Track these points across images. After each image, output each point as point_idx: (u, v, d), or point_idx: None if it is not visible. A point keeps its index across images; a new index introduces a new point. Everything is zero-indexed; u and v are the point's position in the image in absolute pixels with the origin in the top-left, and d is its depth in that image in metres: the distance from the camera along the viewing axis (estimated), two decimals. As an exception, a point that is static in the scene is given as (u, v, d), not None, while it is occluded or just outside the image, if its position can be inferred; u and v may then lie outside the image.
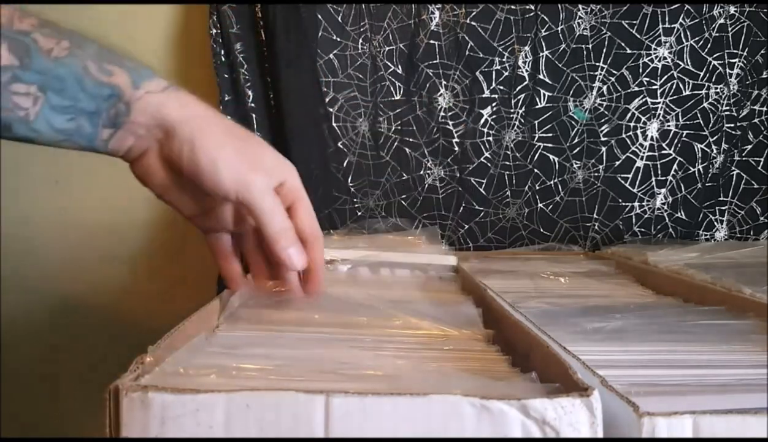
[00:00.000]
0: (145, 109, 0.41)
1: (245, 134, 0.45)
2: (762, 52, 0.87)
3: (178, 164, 0.43)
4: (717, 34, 0.86)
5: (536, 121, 0.88)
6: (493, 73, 0.87)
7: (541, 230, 0.90)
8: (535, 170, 0.89)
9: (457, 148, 0.89)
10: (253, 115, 0.88)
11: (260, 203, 0.43)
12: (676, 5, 0.85)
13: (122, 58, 0.42)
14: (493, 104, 0.88)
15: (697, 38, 0.86)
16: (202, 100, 0.44)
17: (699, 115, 0.88)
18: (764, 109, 0.89)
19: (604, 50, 0.86)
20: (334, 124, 0.88)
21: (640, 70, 0.87)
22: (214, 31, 0.86)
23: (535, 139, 0.88)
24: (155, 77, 0.42)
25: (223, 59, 0.87)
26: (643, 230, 0.90)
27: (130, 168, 0.45)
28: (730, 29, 0.86)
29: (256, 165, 0.43)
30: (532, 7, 0.86)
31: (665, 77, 0.87)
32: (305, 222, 0.47)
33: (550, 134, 0.88)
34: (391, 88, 0.88)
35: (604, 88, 0.87)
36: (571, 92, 0.88)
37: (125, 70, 0.41)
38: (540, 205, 0.90)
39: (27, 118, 0.39)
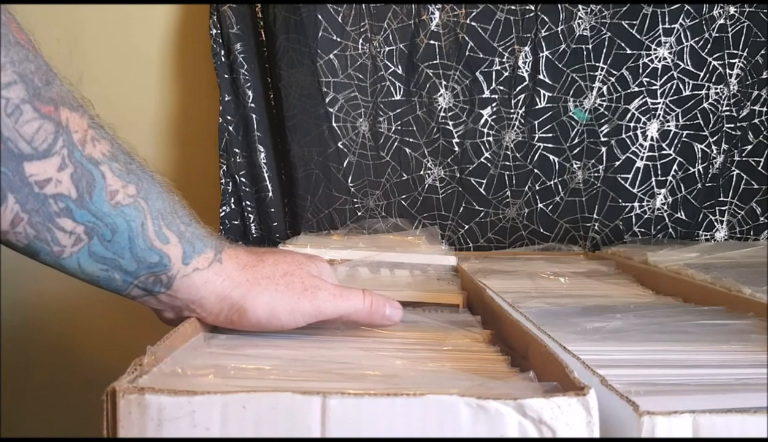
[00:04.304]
0: (188, 287, 0.39)
1: (286, 266, 0.43)
2: (762, 52, 0.87)
3: (225, 326, 0.41)
4: (717, 35, 0.86)
5: (536, 122, 0.88)
6: (493, 73, 0.87)
7: (541, 230, 0.90)
8: (535, 170, 0.89)
9: (457, 149, 0.89)
10: (253, 115, 0.88)
11: (340, 312, 0.42)
12: (676, 5, 0.85)
13: (181, 218, 0.39)
14: (493, 104, 0.88)
15: (697, 38, 0.86)
16: (239, 249, 0.42)
17: (699, 115, 0.88)
18: (764, 109, 0.89)
19: (604, 50, 0.86)
20: (334, 124, 0.88)
21: (640, 71, 0.87)
22: (214, 31, 0.87)
23: (535, 139, 0.88)
24: (206, 249, 0.40)
25: (223, 59, 0.87)
26: (643, 230, 0.90)
27: None
28: (730, 29, 0.86)
29: (310, 287, 0.42)
30: (532, 8, 0.86)
31: (665, 77, 0.87)
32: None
33: (550, 134, 0.88)
34: (391, 89, 0.88)
35: (604, 88, 0.87)
36: (571, 92, 0.88)
37: (182, 241, 0.38)
38: (540, 205, 0.90)
39: (59, 254, 0.35)
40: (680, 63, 0.86)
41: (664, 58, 0.86)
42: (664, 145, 0.88)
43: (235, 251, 0.42)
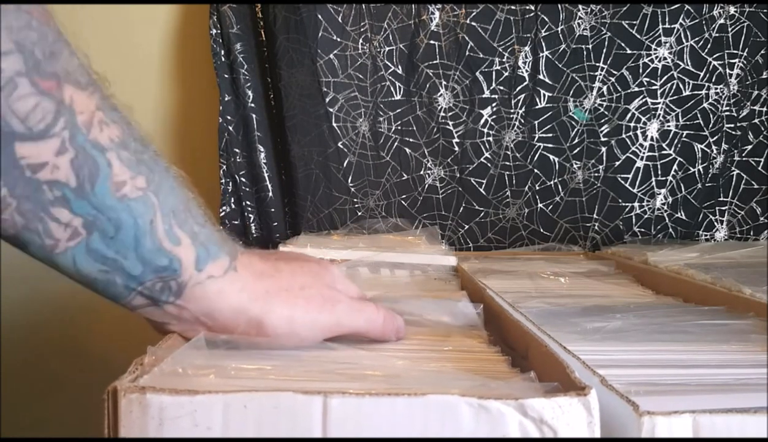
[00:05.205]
0: (201, 297, 0.35)
1: (303, 278, 0.40)
2: (762, 52, 0.87)
3: (241, 339, 0.37)
4: (717, 35, 0.86)
5: (536, 122, 0.88)
6: (493, 73, 0.87)
7: (541, 230, 0.90)
8: (535, 170, 0.89)
9: (457, 149, 0.89)
10: (253, 115, 0.88)
11: (356, 326, 0.40)
12: (676, 5, 0.85)
13: (195, 218, 0.35)
14: (493, 104, 0.88)
15: (697, 38, 0.86)
16: (253, 256, 0.39)
17: (699, 115, 0.88)
18: (764, 109, 0.89)
19: (604, 50, 0.86)
20: (334, 124, 0.88)
21: (640, 71, 0.87)
22: (214, 31, 0.87)
23: (535, 139, 0.88)
24: (221, 255, 0.36)
25: (223, 59, 0.87)
26: (643, 230, 0.90)
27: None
28: (730, 29, 0.86)
29: (329, 300, 0.39)
30: (532, 8, 0.86)
31: (665, 77, 0.87)
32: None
33: (550, 134, 0.88)
34: (391, 89, 0.88)
35: (604, 88, 0.87)
36: (571, 92, 0.88)
37: (195, 243, 0.34)
38: (540, 205, 0.90)
39: (52, 248, 0.31)
40: (680, 63, 0.86)
41: (664, 58, 0.86)
42: (664, 145, 0.88)
43: (249, 258, 0.39)
